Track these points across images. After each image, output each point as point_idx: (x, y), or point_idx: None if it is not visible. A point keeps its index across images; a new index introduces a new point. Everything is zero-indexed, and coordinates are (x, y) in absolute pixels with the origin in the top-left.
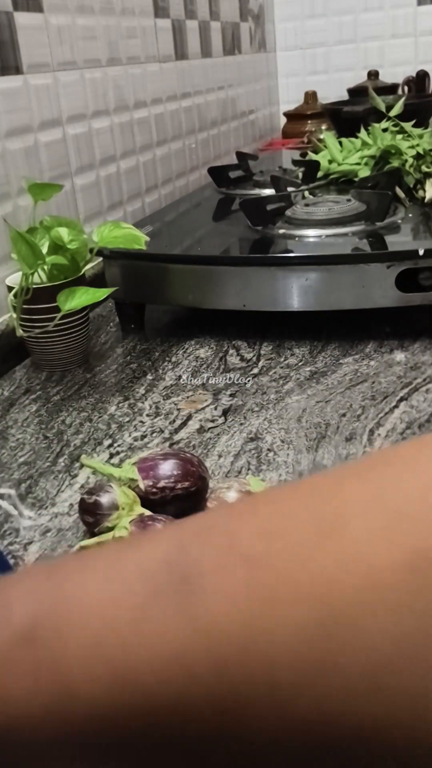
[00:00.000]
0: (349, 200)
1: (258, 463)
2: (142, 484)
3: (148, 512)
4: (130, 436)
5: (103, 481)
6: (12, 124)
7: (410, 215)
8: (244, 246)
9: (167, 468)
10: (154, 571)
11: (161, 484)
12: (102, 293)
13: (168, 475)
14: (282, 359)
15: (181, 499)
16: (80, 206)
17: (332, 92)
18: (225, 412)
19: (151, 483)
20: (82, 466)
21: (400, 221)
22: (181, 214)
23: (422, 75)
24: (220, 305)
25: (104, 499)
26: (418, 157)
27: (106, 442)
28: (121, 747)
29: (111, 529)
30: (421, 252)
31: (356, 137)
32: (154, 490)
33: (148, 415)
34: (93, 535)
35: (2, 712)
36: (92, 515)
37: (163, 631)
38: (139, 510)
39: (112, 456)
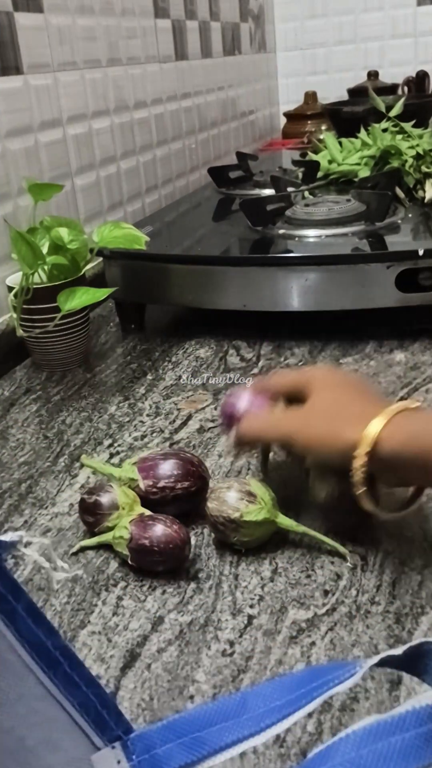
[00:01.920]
0: (349, 200)
1: (258, 463)
2: (142, 484)
3: (148, 512)
4: (130, 436)
5: (104, 481)
6: (12, 124)
7: (410, 215)
8: (244, 246)
9: (167, 468)
10: None
11: (161, 483)
12: (102, 293)
13: (168, 475)
14: (282, 359)
15: (181, 498)
16: (80, 206)
17: (332, 92)
18: None
19: (151, 483)
20: (82, 466)
21: (400, 221)
22: (181, 215)
23: (422, 75)
24: (220, 305)
25: (104, 499)
26: (418, 157)
27: (106, 442)
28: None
29: (111, 528)
30: (420, 252)
31: (356, 137)
32: (154, 490)
33: (148, 415)
34: (93, 534)
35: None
36: (92, 515)
37: None
38: (139, 509)
39: (112, 456)
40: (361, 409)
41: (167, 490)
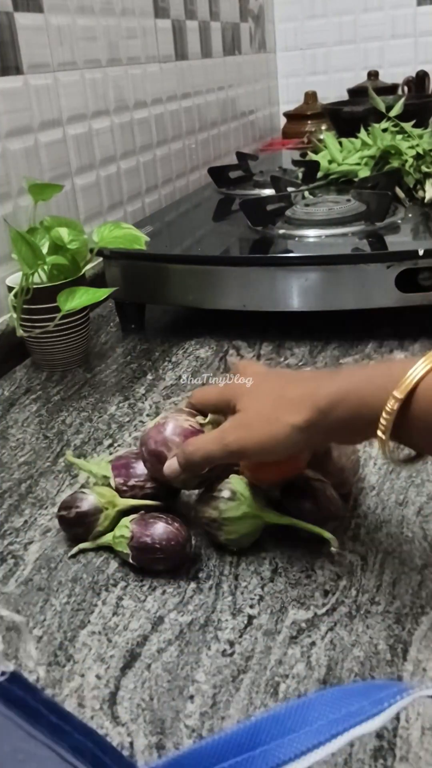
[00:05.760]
0: (348, 200)
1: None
2: (113, 482)
3: (129, 501)
4: (130, 435)
5: (75, 492)
6: (12, 124)
7: (410, 215)
8: (244, 246)
9: (140, 467)
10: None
11: (131, 482)
12: (102, 293)
13: (139, 474)
14: (282, 359)
15: (150, 498)
16: (80, 206)
17: (332, 92)
18: None
19: (122, 481)
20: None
21: (400, 221)
22: (181, 214)
23: (422, 75)
24: (220, 305)
25: (84, 506)
26: (418, 157)
27: (107, 442)
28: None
29: (104, 532)
30: (420, 252)
31: (356, 137)
32: (125, 488)
33: (148, 415)
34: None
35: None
36: (80, 526)
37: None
38: (121, 502)
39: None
40: (298, 392)
41: (137, 489)
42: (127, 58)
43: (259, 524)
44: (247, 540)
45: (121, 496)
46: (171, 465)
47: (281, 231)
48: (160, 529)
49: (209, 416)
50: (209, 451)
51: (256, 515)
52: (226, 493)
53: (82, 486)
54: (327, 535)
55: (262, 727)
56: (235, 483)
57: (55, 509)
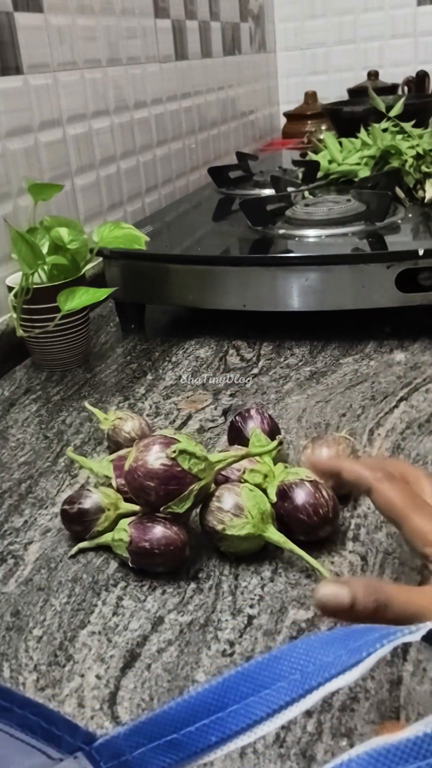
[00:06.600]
0: (349, 200)
1: None
2: (114, 482)
3: (132, 506)
4: None
5: (82, 489)
6: (12, 124)
7: (410, 215)
8: (244, 246)
9: None
10: None
11: None
12: (102, 293)
13: None
14: (282, 359)
15: None
16: (80, 206)
17: (332, 92)
18: (225, 412)
19: (123, 482)
20: (81, 466)
21: (400, 221)
22: (181, 214)
23: (422, 75)
24: (220, 305)
25: (87, 504)
26: (418, 157)
27: (107, 442)
28: None
29: (102, 532)
30: (420, 252)
31: (356, 137)
32: (126, 489)
33: (148, 415)
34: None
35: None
36: (79, 524)
37: None
38: (124, 507)
39: None
40: None
41: None
42: (127, 58)
43: (261, 543)
44: (246, 553)
45: (123, 497)
46: (336, 596)
47: (281, 231)
48: (158, 533)
49: (178, 448)
50: (410, 608)
51: (260, 536)
52: (233, 508)
53: (83, 485)
54: (325, 572)
55: (231, 686)
56: (245, 497)
57: (56, 509)
